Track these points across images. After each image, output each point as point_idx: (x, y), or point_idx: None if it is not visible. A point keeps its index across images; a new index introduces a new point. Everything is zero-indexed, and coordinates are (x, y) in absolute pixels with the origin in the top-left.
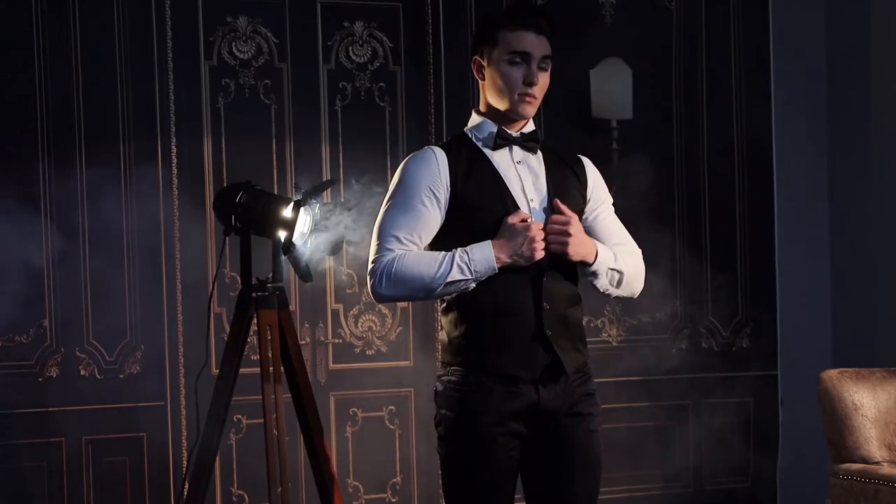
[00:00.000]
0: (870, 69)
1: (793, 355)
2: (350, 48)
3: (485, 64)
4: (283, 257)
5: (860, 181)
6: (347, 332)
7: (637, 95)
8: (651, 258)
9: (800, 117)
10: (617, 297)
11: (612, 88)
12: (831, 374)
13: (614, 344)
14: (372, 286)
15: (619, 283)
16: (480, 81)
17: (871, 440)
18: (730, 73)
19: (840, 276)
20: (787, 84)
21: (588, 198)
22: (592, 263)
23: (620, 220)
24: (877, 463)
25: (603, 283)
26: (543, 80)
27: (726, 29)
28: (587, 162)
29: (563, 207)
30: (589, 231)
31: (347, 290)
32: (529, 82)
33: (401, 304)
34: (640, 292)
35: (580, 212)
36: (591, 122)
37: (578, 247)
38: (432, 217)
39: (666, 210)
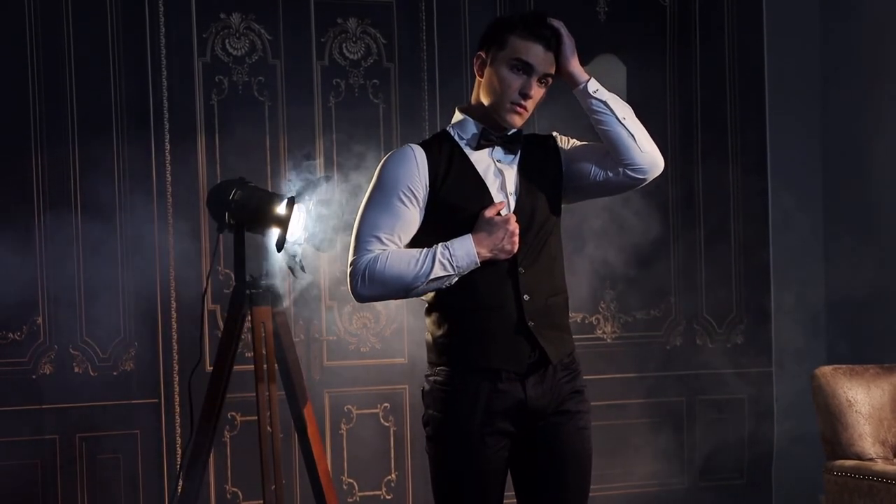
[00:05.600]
0: (864, 78)
1: (787, 352)
2: (344, 45)
3: (488, 62)
4: (278, 254)
5: (854, 179)
6: (342, 329)
7: (631, 91)
8: (646, 255)
9: (794, 113)
10: (638, 149)
11: (606, 85)
12: (825, 371)
13: (609, 341)
14: (352, 287)
15: (631, 118)
16: (478, 78)
17: (864, 437)
18: (724, 69)
19: (834, 273)
20: (782, 80)
21: (563, 160)
22: (586, 80)
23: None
24: (871, 459)
25: (614, 103)
26: (538, 95)
27: (720, 25)
28: (557, 136)
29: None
30: (574, 166)
31: (342, 288)
32: (524, 93)
33: (395, 302)
34: (661, 166)
35: (555, 192)
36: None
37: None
38: (412, 216)
39: (660, 206)
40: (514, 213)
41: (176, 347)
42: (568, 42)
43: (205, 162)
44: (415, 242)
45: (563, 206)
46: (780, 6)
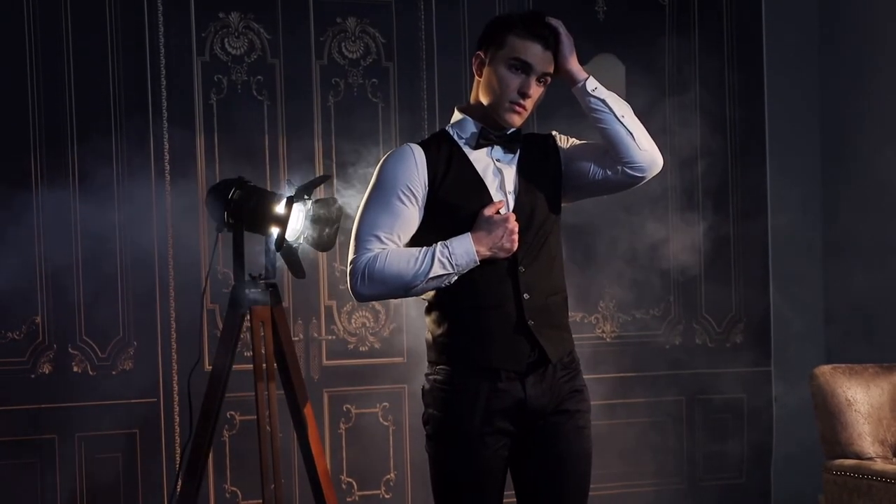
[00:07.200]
0: (863, 77)
1: (786, 351)
2: (343, 44)
3: (486, 62)
4: (276, 253)
5: (853, 177)
6: (341, 328)
7: (630, 90)
8: (645, 254)
9: (793, 111)
10: (637, 147)
11: (605, 84)
12: (824, 370)
13: (608, 340)
14: (352, 286)
15: (630, 116)
16: (477, 77)
17: (864, 436)
18: (723, 68)
19: (833, 271)
20: (781, 78)
21: (562, 159)
22: (585, 78)
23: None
24: (870, 459)
25: (613, 102)
26: (537, 94)
27: (719, 25)
28: (557, 135)
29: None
30: (573, 165)
31: (341, 287)
32: (523, 92)
33: (394, 301)
34: (660, 164)
35: (555, 191)
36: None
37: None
38: (411, 215)
39: (659, 205)
40: (514, 211)
41: (175, 347)
42: (566, 41)
43: (204, 161)
44: (414, 241)
45: (562, 205)
46: (779, 6)
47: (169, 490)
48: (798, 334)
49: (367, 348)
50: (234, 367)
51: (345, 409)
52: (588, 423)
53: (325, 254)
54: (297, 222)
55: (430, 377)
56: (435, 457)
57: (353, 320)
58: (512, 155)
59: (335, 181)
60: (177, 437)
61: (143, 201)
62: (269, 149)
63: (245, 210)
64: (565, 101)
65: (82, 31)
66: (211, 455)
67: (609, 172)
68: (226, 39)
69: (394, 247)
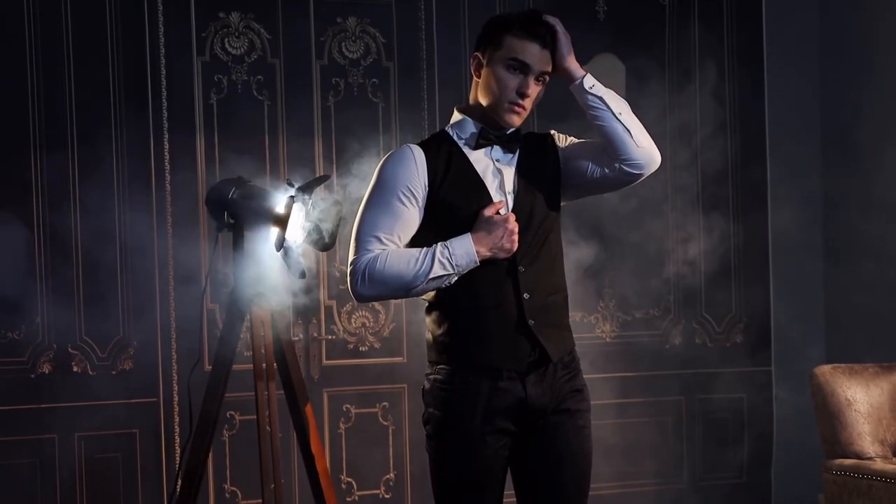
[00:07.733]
0: (864, 79)
1: (786, 351)
2: (343, 44)
3: (484, 62)
4: (277, 253)
5: (854, 179)
6: (341, 328)
7: (630, 90)
8: (645, 253)
9: (793, 111)
10: (634, 144)
11: (605, 84)
12: (824, 370)
13: (607, 340)
14: (352, 287)
15: (627, 113)
16: (475, 78)
17: (863, 436)
18: (723, 68)
19: (833, 272)
20: (781, 77)
21: (561, 158)
22: (583, 76)
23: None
24: (870, 458)
25: (610, 99)
26: (536, 93)
27: (720, 25)
28: (555, 134)
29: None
30: (571, 164)
31: (341, 287)
32: (522, 93)
33: (394, 301)
34: (657, 161)
35: (554, 190)
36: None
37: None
38: (411, 216)
39: (659, 205)
40: (513, 211)
41: (175, 346)
42: (563, 39)
43: (204, 161)
44: (414, 242)
45: (562, 203)
46: (780, 6)
47: (169, 490)
48: (798, 334)
49: (366, 348)
50: (234, 366)
51: (345, 408)
52: (588, 422)
53: (325, 254)
54: (297, 222)
55: (431, 377)
56: (435, 456)
57: (352, 320)
58: (511, 155)
59: (335, 181)
60: (177, 437)
61: (144, 201)
62: (269, 149)
63: (245, 210)
64: (572, 101)
65: (82, 30)
66: (211, 455)
67: (607, 170)
68: (226, 39)
69: (394, 247)
